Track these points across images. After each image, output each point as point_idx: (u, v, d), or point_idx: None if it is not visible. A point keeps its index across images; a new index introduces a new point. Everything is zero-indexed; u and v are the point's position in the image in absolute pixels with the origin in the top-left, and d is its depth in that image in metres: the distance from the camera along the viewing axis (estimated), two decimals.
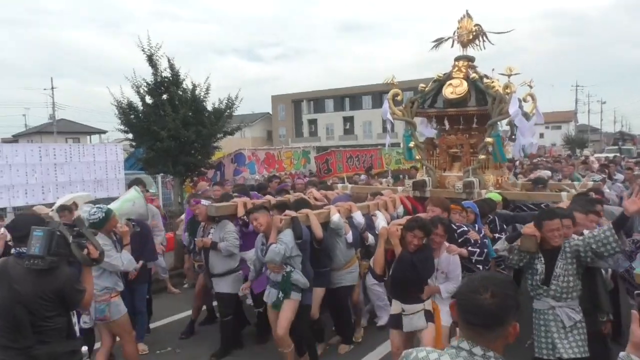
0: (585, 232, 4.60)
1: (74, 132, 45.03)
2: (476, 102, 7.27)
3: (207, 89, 13.68)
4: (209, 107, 13.91)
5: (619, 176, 10.87)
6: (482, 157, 7.08)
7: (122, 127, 13.70)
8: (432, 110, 7.61)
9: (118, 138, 42.00)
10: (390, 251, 4.35)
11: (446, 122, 7.66)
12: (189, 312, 6.50)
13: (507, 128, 7.94)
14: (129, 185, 6.64)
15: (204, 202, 5.87)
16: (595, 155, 24.40)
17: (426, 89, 7.66)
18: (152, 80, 13.32)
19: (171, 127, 12.57)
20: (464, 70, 7.40)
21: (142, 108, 13.44)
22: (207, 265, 5.65)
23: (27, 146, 12.01)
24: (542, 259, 3.87)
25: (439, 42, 7.75)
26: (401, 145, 7.97)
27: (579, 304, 3.83)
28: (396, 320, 4.29)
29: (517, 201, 7.03)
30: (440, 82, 7.51)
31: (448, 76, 7.48)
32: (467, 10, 7.69)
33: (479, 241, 4.66)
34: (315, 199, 6.92)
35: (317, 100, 59.70)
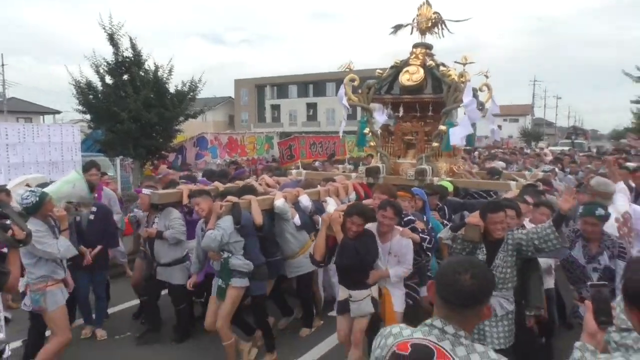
0: (527, 224, 4.67)
1: (26, 111, 43.08)
2: (432, 89, 7.25)
3: (170, 71, 13.44)
4: (172, 90, 13.63)
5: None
6: (435, 144, 7.09)
7: (80, 107, 13.26)
8: (388, 97, 7.55)
9: (73, 119, 40.38)
10: (333, 238, 4.28)
11: (401, 109, 7.61)
12: None
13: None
14: (84, 168, 6.28)
15: (145, 190, 5.63)
16: (550, 148, 25.14)
17: (383, 75, 7.59)
18: (113, 60, 12.95)
19: (132, 108, 12.28)
20: (421, 58, 7.37)
21: (101, 88, 13.04)
22: (152, 255, 5.45)
23: None
24: (484, 249, 3.87)
25: (397, 28, 7.68)
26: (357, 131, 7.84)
27: (513, 295, 3.86)
28: (343, 306, 4.23)
29: (470, 189, 7.10)
30: (397, 69, 7.46)
31: (405, 63, 7.43)
32: None
33: (426, 230, 4.62)
34: (268, 185, 6.79)
35: (281, 86, 59.04)
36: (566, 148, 26.73)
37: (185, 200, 5.50)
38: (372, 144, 7.64)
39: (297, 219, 5.39)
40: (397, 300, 4.27)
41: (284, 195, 5.52)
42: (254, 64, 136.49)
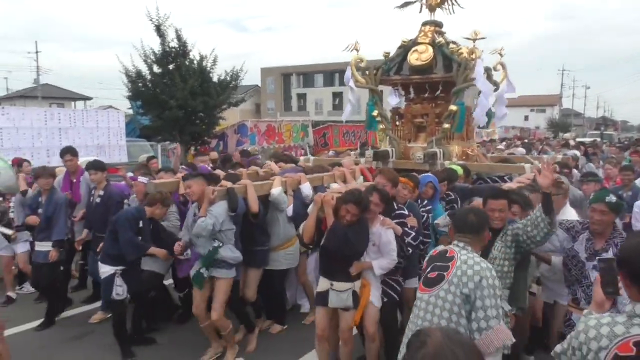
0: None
1: (59, 97, 44.22)
2: (443, 68, 6.93)
3: (214, 61, 14.18)
4: (215, 79, 14.33)
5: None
6: (446, 126, 6.76)
7: (129, 94, 14.10)
8: (397, 78, 7.25)
9: (102, 105, 41.30)
10: (325, 220, 4.05)
11: (411, 90, 7.30)
12: None
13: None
14: (87, 168, 6.23)
15: (141, 178, 5.50)
16: (578, 139, 24.31)
17: (391, 55, 7.30)
18: (160, 50, 13.70)
19: (179, 96, 12.98)
20: (430, 36, 7.03)
21: (150, 77, 13.77)
22: None
23: (34, 110, 12.45)
24: None
25: (405, 4, 7.35)
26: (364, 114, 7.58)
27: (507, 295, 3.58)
28: (323, 298, 3.99)
29: (481, 174, 6.77)
30: (405, 48, 7.15)
31: (414, 42, 7.10)
32: None
33: (417, 227, 4.31)
34: (274, 172, 6.60)
35: (307, 75, 58.78)
36: (591, 140, 25.77)
37: (181, 190, 5.36)
38: (381, 127, 7.38)
39: (289, 210, 5.15)
40: (376, 295, 4.03)
41: (284, 181, 5.31)
42: (278, 53, 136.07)
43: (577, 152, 9.38)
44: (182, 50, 13.81)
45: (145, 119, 15.58)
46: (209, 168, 7.51)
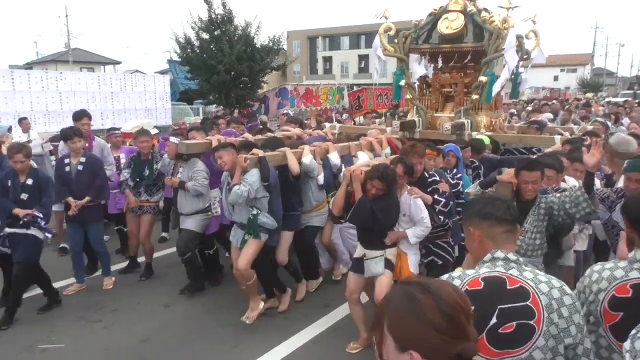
0: (567, 180, 4.36)
1: (89, 62, 44.83)
2: (474, 37, 6.79)
3: (259, 27, 14.99)
4: (258, 45, 15.20)
5: (626, 120, 10.32)
6: (475, 97, 6.68)
7: (178, 59, 15.22)
8: (426, 47, 7.14)
9: (129, 69, 41.71)
10: (353, 194, 4.16)
11: (440, 60, 7.20)
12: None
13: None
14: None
15: (173, 139, 5.67)
16: (608, 99, 23.50)
17: (420, 23, 7.17)
18: (207, 17, 14.53)
19: (227, 62, 13.88)
20: (461, 3, 6.85)
21: (197, 43, 14.67)
22: (175, 205, 5.54)
23: (88, 75, 13.55)
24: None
25: None
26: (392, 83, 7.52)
27: (542, 262, 3.64)
28: (358, 264, 4.16)
29: (509, 145, 6.73)
30: (435, 16, 7.00)
31: (444, 9, 6.95)
32: None
33: (448, 192, 4.40)
34: (289, 137, 6.72)
35: (333, 37, 57.91)
36: (622, 100, 24.83)
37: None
38: (408, 96, 7.33)
39: (321, 178, 5.29)
40: (413, 262, 4.15)
41: (313, 150, 5.42)
42: (304, 15, 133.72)
43: (608, 122, 9.16)
44: (228, 16, 14.45)
45: (191, 83, 16.55)
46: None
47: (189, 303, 5.44)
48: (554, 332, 1.69)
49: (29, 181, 4.93)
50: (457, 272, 1.92)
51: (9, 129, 8.31)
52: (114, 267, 6.29)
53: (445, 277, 1.91)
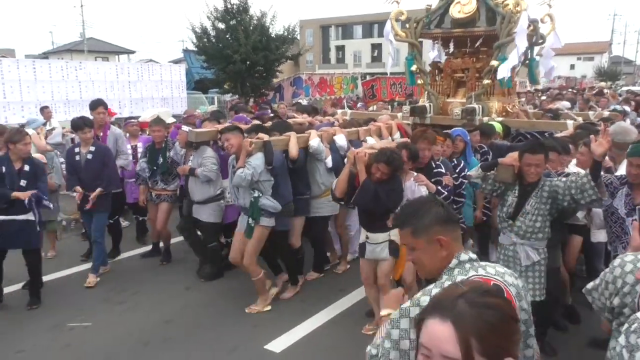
0: (572, 167, 4.32)
1: (103, 51, 45.11)
2: (486, 21, 6.70)
3: (274, 16, 15.11)
4: (273, 34, 15.29)
5: None
6: (486, 82, 6.61)
7: (194, 48, 15.36)
8: (437, 31, 7.07)
9: (142, 58, 41.96)
10: (357, 176, 4.15)
11: (452, 45, 7.13)
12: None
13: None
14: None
15: (184, 127, 5.71)
16: (627, 87, 23.05)
17: (432, 7, 7.10)
18: (223, 7, 14.68)
19: (242, 51, 14.00)
20: None
21: (213, 33, 14.79)
22: (187, 193, 5.59)
23: (106, 64, 13.72)
24: (517, 191, 3.62)
25: None
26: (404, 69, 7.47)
27: (544, 246, 3.60)
28: (362, 249, 4.17)
29: (522, 130, 6.65)
30: (447, 0, 6.93)
31: None
32: None
33: (451, 186, 4.38)
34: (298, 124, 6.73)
35: (345, 26, 57.52)
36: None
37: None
38: (419, 82, 7.28)
39: (329, 161, 5.29)
40: None
41: (320, 134, 5.42)
42: (316, 4, 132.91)
43: (627, 108, 9.00)
44: (243, 6, 14.54)
45: (207, 72, 16.74)
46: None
47: (209, 286, 5.52)
48: (524, 317, 1.68)
49: (26, 167, 4.89)
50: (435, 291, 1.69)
51: (45, 123, 8.47)
52: (132, 253, 6.55)
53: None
